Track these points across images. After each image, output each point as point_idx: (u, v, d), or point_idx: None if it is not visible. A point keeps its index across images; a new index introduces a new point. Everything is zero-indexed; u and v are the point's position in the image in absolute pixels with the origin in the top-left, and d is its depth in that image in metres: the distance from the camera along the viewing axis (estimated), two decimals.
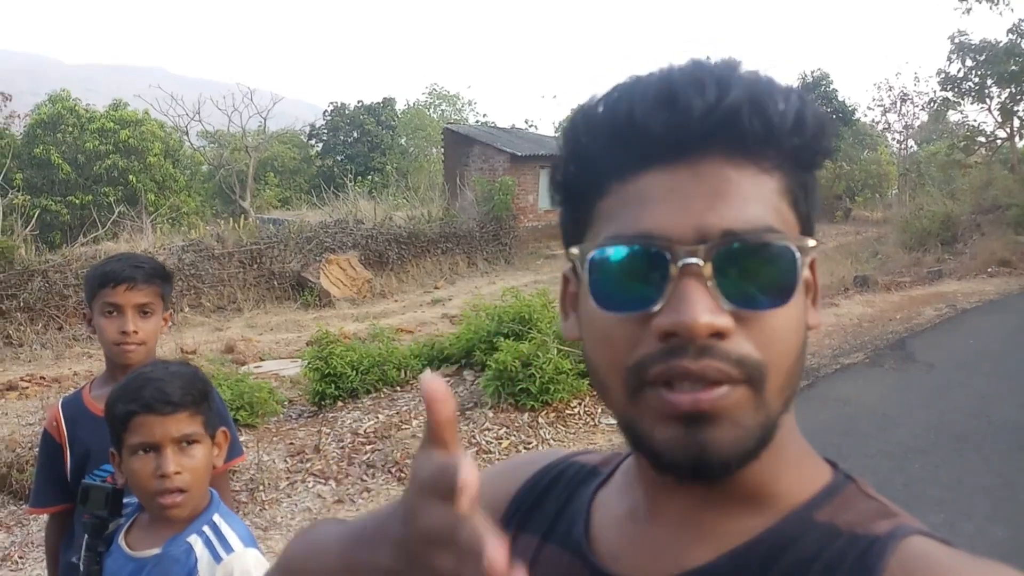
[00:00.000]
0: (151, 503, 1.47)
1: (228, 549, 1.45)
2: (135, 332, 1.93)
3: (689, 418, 0.56)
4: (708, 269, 0.56)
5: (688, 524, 0.64)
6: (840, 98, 33.44)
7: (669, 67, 0.61)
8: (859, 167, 33.17)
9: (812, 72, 33.90)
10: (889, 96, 33.31)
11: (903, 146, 35.55)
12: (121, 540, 1.52)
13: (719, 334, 0.55)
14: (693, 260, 0.56)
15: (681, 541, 0.64)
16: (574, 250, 0.63)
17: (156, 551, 1.46)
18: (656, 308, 0.57)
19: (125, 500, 1.52)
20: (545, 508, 0.77)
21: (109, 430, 1.51)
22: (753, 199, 0.58)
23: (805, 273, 0.63)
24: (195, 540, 1.46)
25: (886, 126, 34.75)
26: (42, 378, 10.36)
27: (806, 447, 0.66)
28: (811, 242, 0.60)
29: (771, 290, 0.57)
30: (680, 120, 0.57)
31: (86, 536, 1.49)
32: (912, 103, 32.36)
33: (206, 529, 1.49)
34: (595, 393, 6.48)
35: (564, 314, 0.70)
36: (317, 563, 0.61)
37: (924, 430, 5.94)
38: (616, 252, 0.59)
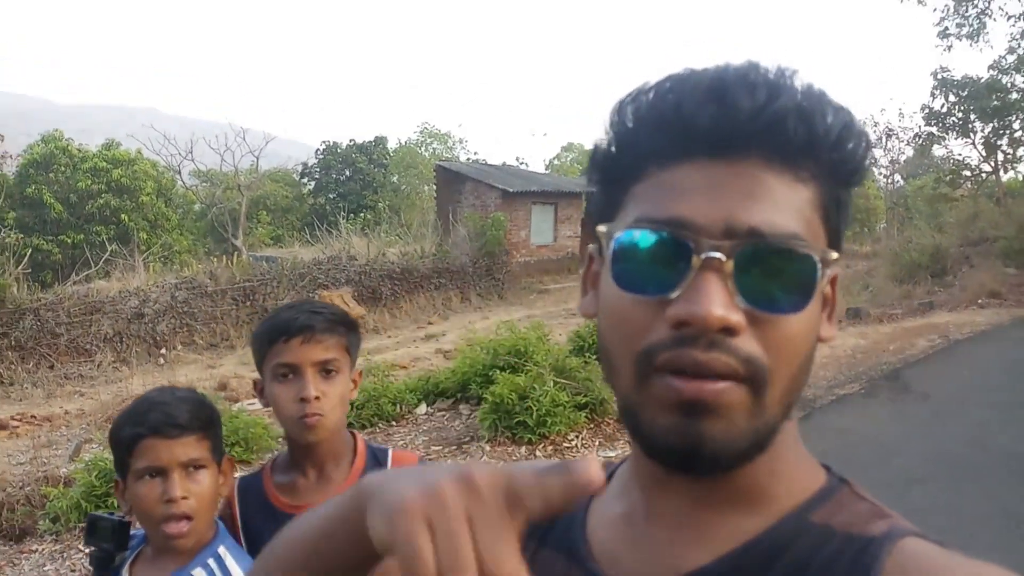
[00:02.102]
0: (156, 531, 1.44)
1: None
2: (316, 398, 1.48)
3: (689, 407, 0.57)
4: (729, 265, 0.56)
5: (685, 525, 0.64)
6: None
7: (725, 65, 0.61)
8: None
9: None
10: (875, 131, 33.72)
11: (890, 181, 35.95)
12: (125, 573, 1.49)
13: (730, 330, 0.56)
14: (716, 254, 0.56)
15: (678, 543, 0.64)
16: (602, 228, 0.63)
17: None
18: (674, 295, 0.57)
19: (131, 532, 1.49)
20: None
21: (114, 457, 1.49)
22: (785, 205, 0.59)
23: (825, 287, 0.64)
24: (199, 574, 1.44)
25: (872, 161, 35.12)
26: (33, 417, 10.24)
27: (803, 452, 0.67)
28: (834, 255, 0.60)
29: (788, 296, 0.58)
30: (727, 117, 0.58)
31: (92, 569, 1.46)
32: (897, 138, 32.72)
33: (211, 562, 1.45)
34: (592, 425, 6.50)
35: (584, 291, 0.71)
36: (288, 552, 0.64)
37: (922, 460, 5.93)
38: (643, 235, 0.59)
